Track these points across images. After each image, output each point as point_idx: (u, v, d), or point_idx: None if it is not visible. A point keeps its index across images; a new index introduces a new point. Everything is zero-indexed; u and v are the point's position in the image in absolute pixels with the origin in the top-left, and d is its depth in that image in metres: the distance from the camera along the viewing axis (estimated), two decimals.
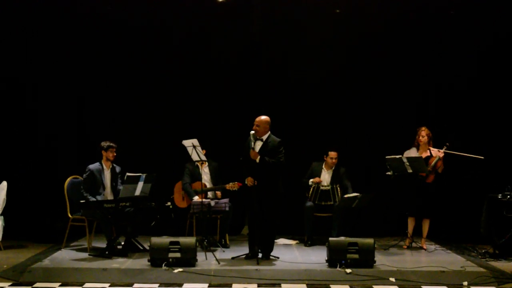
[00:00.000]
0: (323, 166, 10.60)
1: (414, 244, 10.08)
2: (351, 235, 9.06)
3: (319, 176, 10.52)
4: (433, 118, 10.86)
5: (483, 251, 9.90)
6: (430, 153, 9.83)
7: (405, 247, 10.07)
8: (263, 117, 9.01)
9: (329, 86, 11.31)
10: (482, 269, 8.60)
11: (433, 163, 9.73)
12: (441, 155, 9.76)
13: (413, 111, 11.14)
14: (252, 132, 8.96)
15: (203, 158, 9.65)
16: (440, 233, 10.68)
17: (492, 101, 11.15)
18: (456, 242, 10.55)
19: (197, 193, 9.92)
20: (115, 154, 9.71)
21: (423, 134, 9.92)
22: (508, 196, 9.70)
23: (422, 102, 11.20)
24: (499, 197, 9.81)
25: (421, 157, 9.74)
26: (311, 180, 10.47)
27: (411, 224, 10.10)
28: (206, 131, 10.49)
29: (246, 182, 8.97)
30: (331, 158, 10.50)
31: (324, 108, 11.30)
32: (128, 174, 9.27)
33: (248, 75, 11.30)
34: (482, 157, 9.72)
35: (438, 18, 11.16)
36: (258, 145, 8.98)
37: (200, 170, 10.09)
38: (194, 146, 9.46)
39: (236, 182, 9.88)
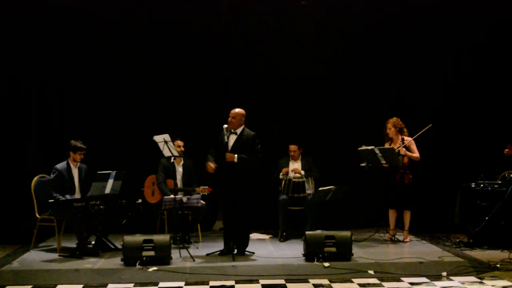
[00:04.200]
0: (290, 160, 10.54)
1: (386, 236, 10.04)
2: (324, 228, 8.98)
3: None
4: (406, 109, 10.80)
5: (457, 240, 9.88)
6: (403, 141, 9.72)
7: (389, 239, 9.98)
8: (238, 109, 8.86)
9: (299, 80, 11.19)
10: (459, 259, 8.60)
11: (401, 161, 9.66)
12: (402, 151, 9.66)
13: (387, 101, 11.09)
14: (225, 126, 8.80)
15: (175, 154, 9.46)
16: (414, 223, 10.62)
17: (466, 91, 11.20)
18: (429, 232, 10.56)
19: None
20: (82, 157, 9.49)
21: (389, 126, 9.82)
22: (482, 185, 9.72)
23: (395, 91, 11.17)
24: (473, 186, 9.83)
25: (393, 148, 9.66)
26: (281, 174, 10.38)
27: (392, 216, 9.98)
28: (177, 127, 10.26)
29: (207, 168, 8.83)
30: (292, 151, 10.49)
31: (297, 101, 11.21)
32: (98, 172, 9.04)
33: (217, 70, 11.14)
34: (430, 124, 9.65)
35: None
36: (232, 138, 8.84)
37: (176, 167, 9.94)
38: (165, 142, 9.26)
39: (206, 187, 9.74)
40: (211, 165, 8.88)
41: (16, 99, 10.81)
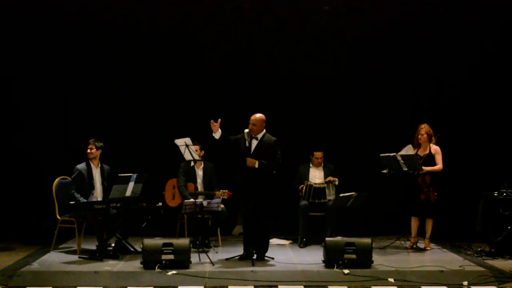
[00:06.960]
0: (311, 166, 10.49)
1: (407, 244, 9.94)
2: (344, 234, 8.93)
3: (308, 177, 10.41)
4: (428, 115, 10.65)
5: (479, 249, 9.78)
6: (430, 151, 9.65)
7: (410, 247, 9.88)
8: (258, 115, 8.80)
9: (319, 85, 11.17)
10: (481, 268, 8.49)
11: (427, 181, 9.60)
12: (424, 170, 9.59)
13: (407, 107, 11.01)
14: (246, 130, 8.78)
15: (196, 157, 9.44)
16: (435, 231, 10.52)
17: (487, 98, 11.06)
18: (450, 241, 10.45)
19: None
20: (90, 151, 9.43)
21: (422, 132, 9.65)
22: (504, 194, 9.60)
23: (416, 97, 11.08)
24: (495, 194, 9.71)
25: (415, 154, 9.57)
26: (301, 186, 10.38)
27: (415, 223, 9.86)
28: (199, 131, 10.23)
29: (247, 164, 8.71)
30: (317, 158, 10.44)
31: (319, 106, 11.17)
32: (119, 174, 9.06)
33: (238, 76, 11.15)
34: (438, 134, 9.67)
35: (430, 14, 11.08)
36: (253, 144, 8.79)
37: (196, 170, 9.93)
38: (186, 145, 9.23)
39: (226, 191, 9.76)
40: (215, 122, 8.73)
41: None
